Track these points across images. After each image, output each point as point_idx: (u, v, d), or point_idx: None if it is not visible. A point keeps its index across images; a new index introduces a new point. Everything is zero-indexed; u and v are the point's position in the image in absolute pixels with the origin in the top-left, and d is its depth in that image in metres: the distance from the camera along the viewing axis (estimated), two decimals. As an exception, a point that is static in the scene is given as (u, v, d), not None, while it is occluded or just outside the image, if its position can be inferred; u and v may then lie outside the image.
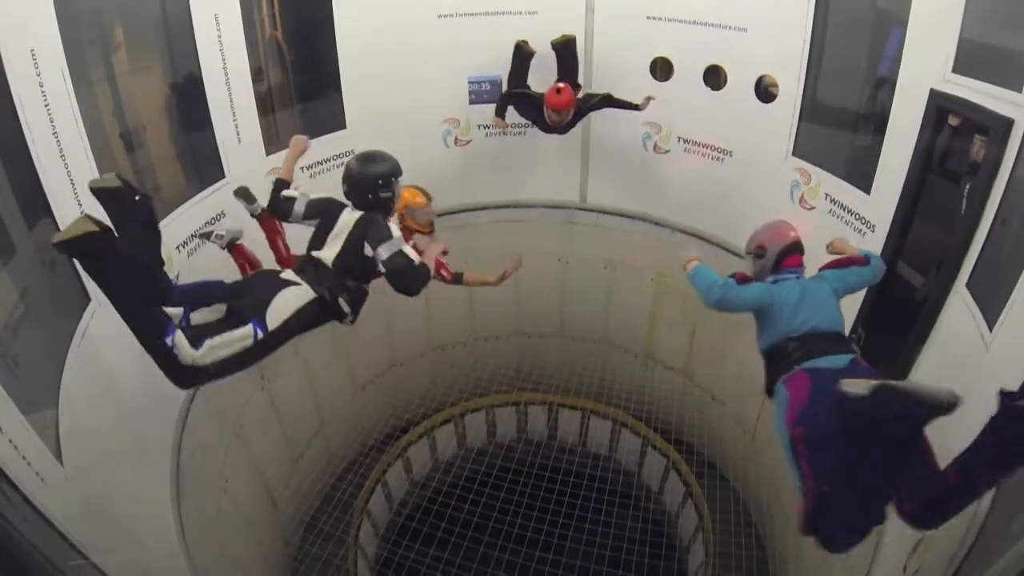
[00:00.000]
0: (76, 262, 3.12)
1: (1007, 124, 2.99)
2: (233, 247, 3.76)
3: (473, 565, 5.02)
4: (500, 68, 5.45)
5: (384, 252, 2.88)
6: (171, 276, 2.69)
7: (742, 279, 3.03)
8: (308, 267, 2.95)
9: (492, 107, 5.45)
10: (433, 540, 5.23)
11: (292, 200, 3.13)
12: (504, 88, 5.50)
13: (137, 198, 2.38)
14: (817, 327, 2.76)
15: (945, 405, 1.98)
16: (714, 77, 5.24)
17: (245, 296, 2.73)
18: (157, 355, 2.38)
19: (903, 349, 3.71)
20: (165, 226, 3.74)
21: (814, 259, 3.21)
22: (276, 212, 3.23)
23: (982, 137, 3.30)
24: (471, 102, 5.72)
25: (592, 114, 5.72)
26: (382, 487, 6.29)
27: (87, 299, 3.22)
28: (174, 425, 3.93)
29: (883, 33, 4.04)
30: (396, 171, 3.11)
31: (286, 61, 4.91)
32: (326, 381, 6.05)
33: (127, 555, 3.01)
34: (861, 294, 4.02)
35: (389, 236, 2.92)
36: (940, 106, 3.54)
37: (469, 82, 5.66)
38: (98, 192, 2.35)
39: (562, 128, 5.12)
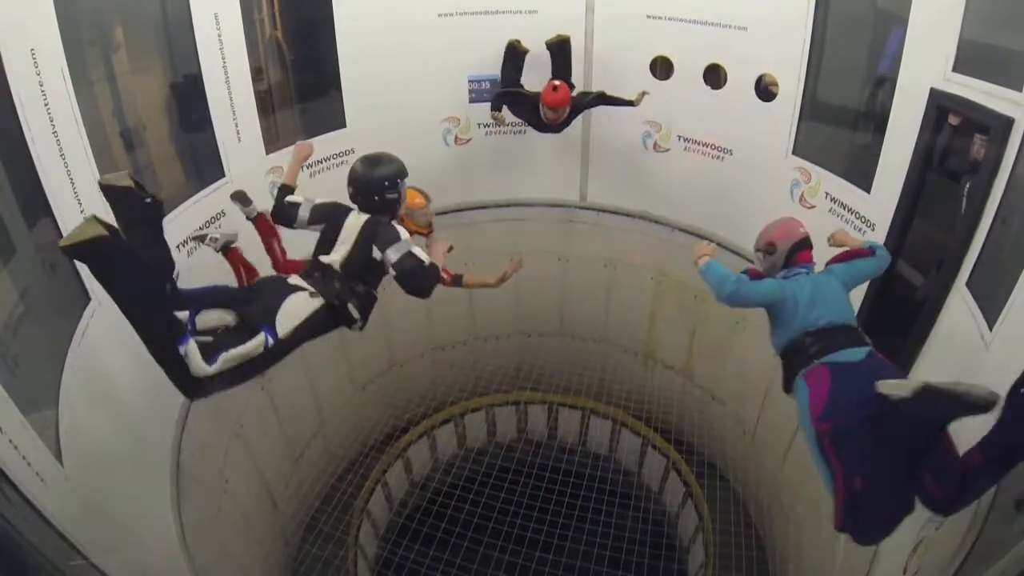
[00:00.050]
0: (82, 265, 3.16)
1: (1007, 123, 2.99)
2: (228, 250, 3.72)
3: (473, 565, 5.02)
4: (500, 67, 5.43)
5: (393, 254, 2.85)
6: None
7: (755, 275, 3.03)
8: (315, 272, 2.92)
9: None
10: (433, 540, 5.23)
11: (296, 206, 3.09)
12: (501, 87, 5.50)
13: (148, 200, 2.33)
14: (831, 321, 2.77)
15: (983, 404, 2.01)
16: (714, 76, 5.24)
17: (253, 302, 2.69)
18: (167, 364, 2.32)
19: (903, 348, 3.71)
20: (165, 226, 3.75)
21: (816, 257, 3.21)
22: (280, 218, 3.17)
23: (982, 136, 3.29)
24: (471, 101, 5.73)
25: (592, 113, 5.73)
26: (382, 487, 6.29)
27: (87, 299, 3.22)
28: (174, 425, 3.93)
29: (883, 32, 4.04)
30: (402, 172, 3.08)
31: (286, 60, 4.91)
32: (326, 381, 6.05)
33: (127, 555, 3.01)
34: (862, 293, 4.02)
35: (397, 238, 2.90)
36: (940, 105, 3.54)
37: (469, 81, 5.66)
38: (109, 191, 2.28)
39: (557, 127, 5.11)
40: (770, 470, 5.73)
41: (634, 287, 6.50)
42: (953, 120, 3.58)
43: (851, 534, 2.46)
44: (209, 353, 2.34)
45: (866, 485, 2.31)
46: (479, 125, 5.83)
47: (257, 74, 4.50)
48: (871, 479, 2.31)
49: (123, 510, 3.22)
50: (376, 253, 2.89)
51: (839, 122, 4.65)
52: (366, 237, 2.92)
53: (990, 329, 2.90)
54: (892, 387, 2.14)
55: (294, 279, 2.87)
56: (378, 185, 3.00)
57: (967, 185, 3.36)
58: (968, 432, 2.20)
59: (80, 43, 3.24)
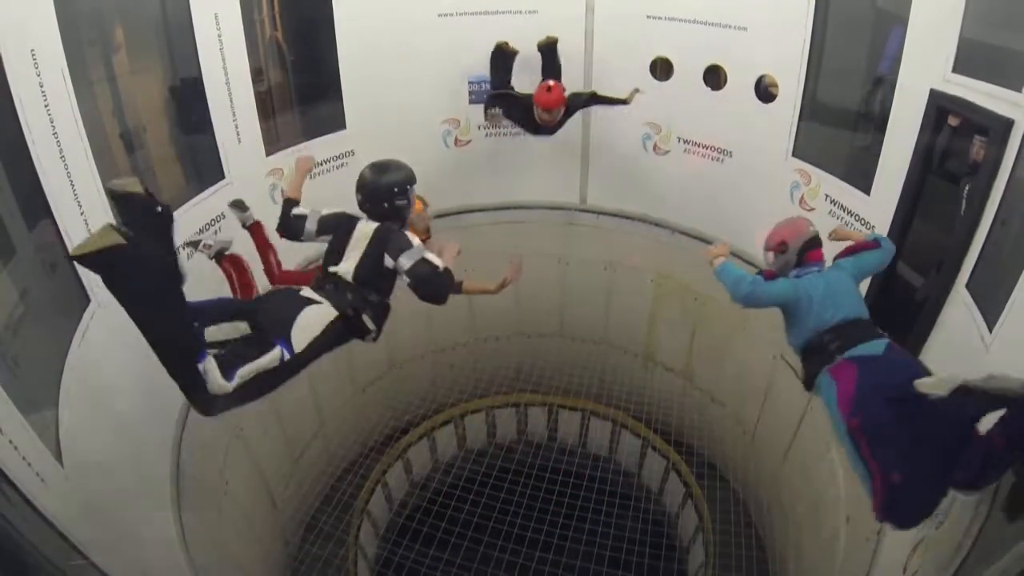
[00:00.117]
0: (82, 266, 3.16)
1: (1007, 124, 2.99)
2: (221, 258, 3.68)
3: (473, 565, 5.02)
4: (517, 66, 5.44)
5: (406, 261, 2.81)
6: None
7: (769, 276, 3.04)
8: (327, 284, 2.86)
9: (492, 108, 5.45)
10: (433, 541, 5.22)
11: (303, 218, 3.05)
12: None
13: (159, 209, 2.26)
14: (847, 317, 2.80)
15: (1016, 397, 2.06)
16: (714, 77, 5.24)
17: (265, 315, 2.61)
18: (184, 380, 2.24)
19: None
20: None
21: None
22: (287, 232, 3.13)
23: (982, 137, 3.30)
24: (471, 102, 5.72)
25: (592, 115, 5.74)
26: (382, 488, 6.29)
27: (87, 299, 3.22)
28: (174, 425, 3.93)
29: (883, 33, 4.04)
30: (411, 179, 3.06)
31: (286, 61, 4.91)
32: (326, 382, 6.04)
33: (127, 555, 3.01)
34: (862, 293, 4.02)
35: (410, 244, 2.86)
36: (940, 106, 3.54)
37: (469, 82, 5.65)
38: (117, 197, 2.21)
39: (551, 128, 5.09)
40: (770, 470, 5.73)
41: (634, 289, 6.50)
42: (953, 121, 3.59)
43: (891, 523, 2.51)
44: (225, 369, 2.26)
45: (904, 479, 2.35)
46: (479, 127, 5.83)
47: (257, 75, 4.50)
48: (908, 474, 2.35)
49: (123, 510, 3.22)
50: (388, 261, 2.85)
51: (839, 123, 4.66)
52: (377, 245, 2.88)
53: (990, 330, 2.90)
54: (930, 386, 2.20)
55: (306, 291, 2.80)
56: (387, 192, 2.97)
57: (967, 186, 3.36)
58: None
59: (80, 43, 3.24)
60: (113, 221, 2.26)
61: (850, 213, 4.33)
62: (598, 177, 6.19)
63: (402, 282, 2.92)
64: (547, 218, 6.40)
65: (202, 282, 3.08)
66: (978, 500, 2.54)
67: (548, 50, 5.30)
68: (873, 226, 4.11)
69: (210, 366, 2.20)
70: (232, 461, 4.64)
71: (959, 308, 3.26)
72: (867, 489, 2.48)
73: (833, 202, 4.49)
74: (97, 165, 3.25)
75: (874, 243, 3.13)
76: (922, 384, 2.22)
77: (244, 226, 3.88)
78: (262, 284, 3.82)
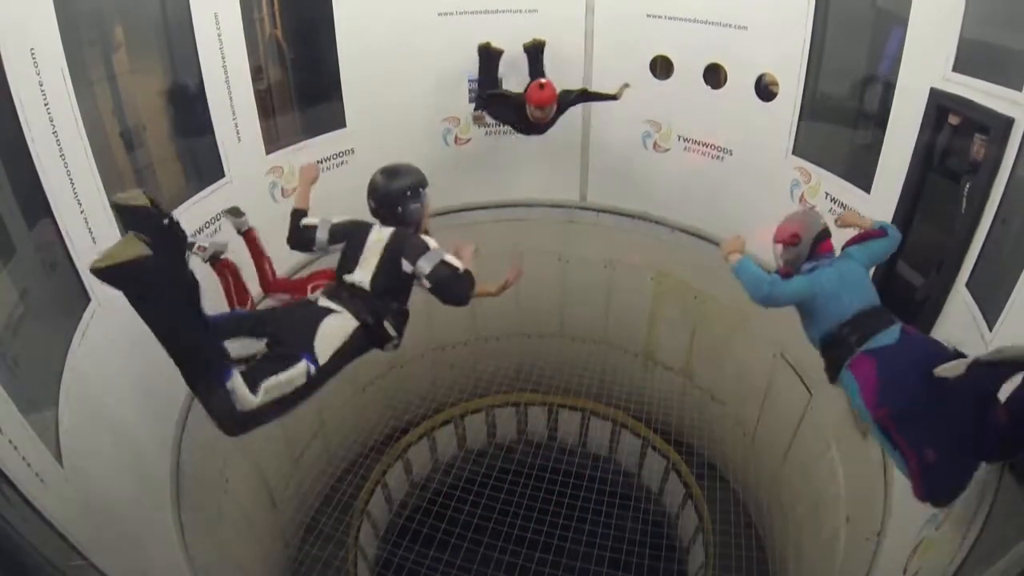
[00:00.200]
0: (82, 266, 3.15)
1: (1007, 123, 2.99)
2: (216, 261, 3.64)
3: (473, 566, 5.02)
4: (506, 66, 5.44)
5: (426, 265, 2.76)
6: None
7: (785, 274, 3.03)
8: (342, 293, 2.77)
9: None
10: (433, 541, 5.23)
11: (313, 228, 2.99)
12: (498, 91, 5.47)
13: (167, 222, 2.15)
14: (863, 306, 2.81)
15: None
16: (714, 76, 5.24)
17: (283, 328, 2.51)
18: (210, 399, 2.14)
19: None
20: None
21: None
22: (298, 244, 3.05)
23: (982, 136, 3.30)
24: (471, 100, 5.70)
25: (592, 114, 5.73)
26: (382, 488, 6.28)
27: (87, 299, 3.21)
28: (174, 425, 3.92)
29: (883, 32, 4.04)
30: (422, 182, 3.02)
31: (286, 60, 4.90)
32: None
33: (127, 555, 3.01)
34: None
35: (427, 248, 2.81)
36: (940, 105, 3.54)
37: (469, 81, 5.64)
38: (123, 211, 2.10)
39: (543, 126, 5.07)
40: (770, 471, 5.73)
41: (634, 288, 6.50)
42: (953, 120, 3.59)
43: (932, 501, 2.54)
44: (249, 383, 2.17)
45: (938, 456, 2.39)
46: (479, 125, 5.83)
47: (257, 74, 4.49)
48: (941, 450, 2.39)
49: (123, 510, 3.22)
50: (406, 266, 2.79)
51: (839, 122, 4.66)
52: (393, 251, 2.82)
53: (990, 329, 2.90)
54: (947, 370, 2.31)
55: (323, 301, 2.71)
56: (399, 196, 2.93)
57: (967, 185, 3.36)
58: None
59: (80, 43, 3.23)
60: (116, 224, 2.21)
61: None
62: (598, 175, 6.19)
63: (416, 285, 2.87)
64: (547, 216, 6.40)
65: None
66: (978, 500, 2.55)
67: (535, 51, 5.31)
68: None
69: (237, 383, 2.11)
70: (232, 461, 4.64)
71: (959, 307, 3.26)
72: (904, 472, 2.52)
73: (833, 200, 4.49)
74: (97, 165, 3.24)
75: (880, 231, 3.13)
76: (940, 370, 2.31)
77: (239, 232, 3.84)
78: (254, 293, 3.82)
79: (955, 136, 3.60)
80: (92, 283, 3.19)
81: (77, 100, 3.10)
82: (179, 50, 3.95)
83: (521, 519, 5.24)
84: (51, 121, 2.95)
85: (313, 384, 2.44)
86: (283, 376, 2.29)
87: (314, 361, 2.42)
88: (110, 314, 3.22)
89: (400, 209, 2.94)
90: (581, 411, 6.94)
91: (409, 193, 2.95)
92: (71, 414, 2.91)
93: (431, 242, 2.86)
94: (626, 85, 5.12)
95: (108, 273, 1.81)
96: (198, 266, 3.64)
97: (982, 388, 2.35)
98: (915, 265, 3.94)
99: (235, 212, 3.85)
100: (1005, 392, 2.40)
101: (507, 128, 5.65)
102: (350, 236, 2.94)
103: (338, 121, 5.19)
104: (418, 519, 5.74)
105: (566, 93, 5.08)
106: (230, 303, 3.68)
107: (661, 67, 5.49)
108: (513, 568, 5.00)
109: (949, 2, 3.32)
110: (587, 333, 7.08)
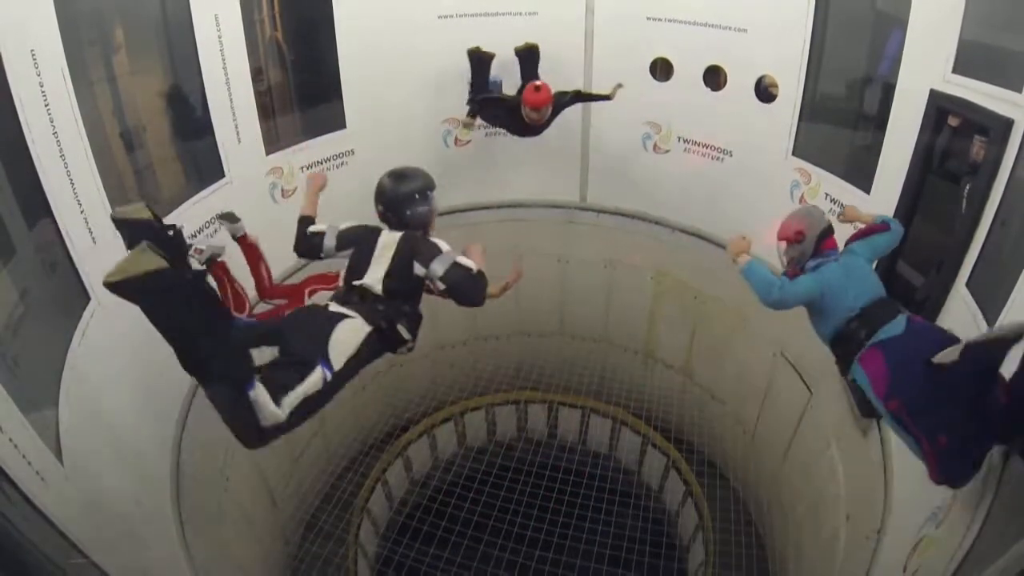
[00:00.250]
0: (82, 265, 3.15)
1: (1007, 124, 2.99)
2: (212, 264, 3.58)
3: (473, 564, 5.03)
4: (500, 69, 5.42)
5: (439, 268, 2.73)
6: None
7: (792, 275, 3.04)
8: (353, 298, 2.74)
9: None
10: (433, 539, 5.23)
11: (320, 235, 2.96)
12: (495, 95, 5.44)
13: (171, 232, 2.13)
14: (869, 299, 2.83)
15: (1017, 336, 2.22)
16: (714, 77, 5.24)
17: (294, 336, 2.44)
18: (233, 413, 2.08)
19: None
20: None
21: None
22: (305, 251, 3.02)
23: (982, 137, 3.30)
24: (466, 104, 5.70)
25: (592, 115, 5.73)
26: (382, 486, 6.29)
27: (87, 299, 3.22)
28: (174, 424, 3.93)
29: (883, 33, 4.04)
30: (430, 184, 3.01)
31: (286, 61, 4.90)
32: (326, 380, 6.04)
33: (127, 553, 3.02)
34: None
35: (439, 251, 2.78)
36: (940, 106, 3.54)
37: (468, 82, 5.64)
38: (124, 225, 2.07)
39: (539, 128, 5.04)
40: (770, 469, 5.73)
41: (634, 287, 6.51)
42: (953, 121, 3.59)
43: (948, 483, 2.57)
44: (272, 394, 2.12)
45: (950, 439, 2.43)
46: (479, 126, 5.82)
47: (257, 75, 4.49)
48: (952, 432, 2.43)
49: (123, 509, 3.23)
50: (419, 269, 2.76)
51: (839, 123, 4.66)
52: (404, 255, 2.79)
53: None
54: (943, 356, 2.36)
55: (333, 306, 2.68)
56: (408, 199, 2.91)
57: (967, 186, 3.36)
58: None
59: (80, 43, 3.23)
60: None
61: (850, 212, 4.33)
62: (598, 176, 6.18)
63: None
64: (547, 217, 6.40)
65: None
66: (978, 498, 2.55)
67: (527, 55, 5.29)
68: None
69: (260, 394, 2.05)
70: (232, 461, 4.64)
71: (959, 307, 3.26)
72: (919, 456, 2.56)
73: (833, 201, 4.49)
74: (97, 165, 3.25)
75: (883, 225, 3.15)
76: (938, 358, 2.37)
77: (234, 238, 3.80)
78: (251, 296, 3.81)
79: (955, 137, 3.60)
80: (92, 283, 3.20)
81: (77, 100, 3.10)
82: (179, 51, 3.95)
83: (521, 517, 5.24)
84: (51, 121, 2.96)
85: (330, 390, 2.43)
86: (300, 389, 2.25)
87: (329, 367, 2.40)
88: (110, 314, 3.23)
89: (409, 212, 2.91)
90: (581, 409, 6.95)
91: (417, 196, 2.93)
92: (71, 414, 2.92)
93: (442, 244, 2.83)
94: (619, 85, 5.11)
95: (122, 287, 1.77)
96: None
97: (981, 370, 2.39)
98: (915, 265, 3.95)
99: (230, 217, 3.80)
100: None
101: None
102: (358, 241, 2.91)
103: (338, 122, 5.19)
104: (418, 517, 5.76)
105: (561, 94, 5.06)
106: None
107: (661, 69, 5.49)
108: (513, 566, 5.00)
109: (949, 3, 3.32)
110: (587, 332, 7.08)
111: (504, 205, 6.28)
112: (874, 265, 3.11)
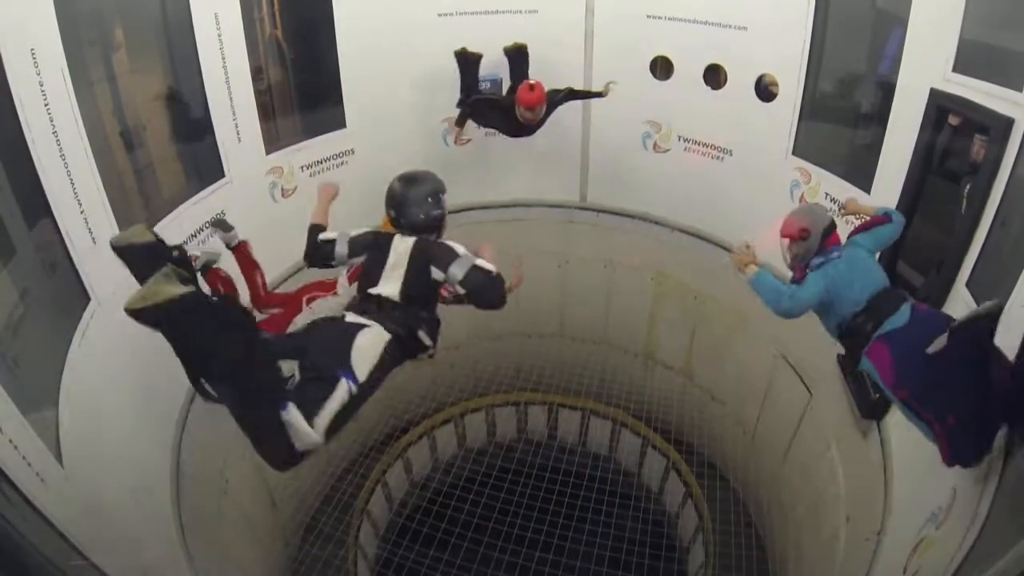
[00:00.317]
0: (83, 265, 3.14)
1: (1007, 123, 2.99)
2: (207, 271, 3.57)
3: (473, 566, 5.01)
4: (500, 68, 5.43)
5: (458, 271, 2.69)
6: None
7: (799, 279, 3.04)
8: (370, 307, 2.70)
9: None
10: (433, 541, 5.22)
11: (331, 242, 2.90)
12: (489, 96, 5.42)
13: (176, 253, 2.08)
14: (874, 291, 2.86)
15: (995, 312, 2.39)
16: (714, 76, 5.24)
17: (314, 350, 2.38)
18: (264, 434, 2.03)
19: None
20: (164, 226, 3.75)
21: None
22: (316, 259, 2.96)
23: (982, 137, 3.30)
24: (457, 106, 5.68)
25: (592, 114, 5.72)
26: (382, 487, 6.28)
27: (87, 299, 3.22)
28: (174, 425, 3.92)
29: (883, 32, 4.04)
30: (441, 187, 2.98)
31: (286, 60, 4.91)
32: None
33: (127, 555, 3.01)
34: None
35: (456, 254, 2.73)
36: (940, 105, 3.54)
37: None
38: (126, 251, 1.98)
39: (531, 128, 5.01)
40: (770, 470, 5.73)
41: (634, 288, 6.50)
42: (953, 120, 3.58)
43: (960, 464, 2.60)
44: (305, 415, 2.07)
45: (957, 420, 2.49)
46: (479, 126, 5.82)
47: (257, 74, 4.50)
48: (960, 413, 2.48)
49: (123, 510, 3.22)
50: (437, 274, 2.73)
51: (839, 122, 4.66)
52: (420, 260, 2.75)
53: (990, 329, 2.90)
54: (935, 345, 2.46)
55: (351, 316, 2.63)
56: (420, 203, 2.87)
57: (967, 186, 3.36)
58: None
59: (80, 43, 3.23)
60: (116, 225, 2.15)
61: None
62: (598, 175, 6.18)
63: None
64: (547, 216, 6.40)
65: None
66: (978, 497, 2.55)
67: (516, 55, 5.27)
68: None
69: (294, 415, 2.01)
70: (232, 461, 4.63)
71: (959, 307, 3.26)
72: (931, 439, 2.60)
73: (833, 200, 4.48)
74: (97, 165, 3.25)
75: (885, 217, 3.17)
76: (931, 348, 2.46)
77: (229, 247, 3.78)
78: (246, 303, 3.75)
79: (955, 136, 3.60)
80: (92, 283, 3.20)
81: (77, 100, 3.10)
82: (179, 50, 3.95)
83: (521, 518, 5.24)
84: (51, 121, 2.96)
85: (356, 402, 2.39)
86: (331, 404, 2.22)
87: (354, 379, 2.36)
88: (110, 314, 3.22)
89: (421, 216, 2.87)
90: (581, 410, 6.94)
91: (430, 200, 2.90)
92: (71, 414, 2.91)
93: (458, 247, 2.79)
94: (612, 82, 5.10)
95: (145, 314, 1.72)
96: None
97: (972, 350, 2.44)
98: (915, 265, 3.94)
99: (223, 225, 3.78)
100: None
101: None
102: (370, 248, 2.87)
103: (338, 121, 5.19)
104: (418, 518, 5.74)
105: (554, 92, 5.03)
106: None
107: (661, 68, 5.49)
108: (513, 567, 5.00)
109: (949, 2, 3.32)
110: (587, 333, 7.07)
111: (504, 205, 6.28)
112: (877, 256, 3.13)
